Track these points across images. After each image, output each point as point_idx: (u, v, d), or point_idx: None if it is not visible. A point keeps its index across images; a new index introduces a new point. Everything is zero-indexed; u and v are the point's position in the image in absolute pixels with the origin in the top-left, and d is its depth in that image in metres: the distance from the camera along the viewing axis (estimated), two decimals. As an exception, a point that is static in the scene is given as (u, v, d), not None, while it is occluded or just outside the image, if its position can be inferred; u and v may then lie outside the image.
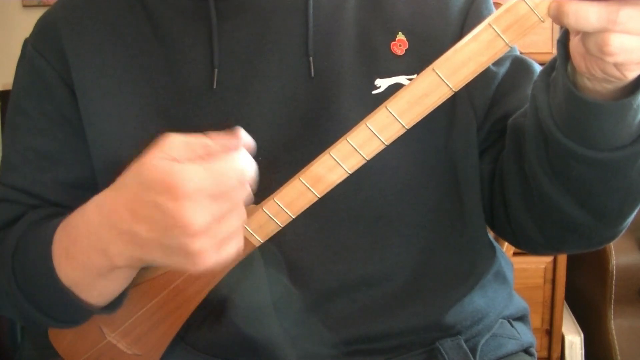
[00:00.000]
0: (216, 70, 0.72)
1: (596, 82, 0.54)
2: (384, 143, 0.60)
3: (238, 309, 0.73)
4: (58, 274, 0.65)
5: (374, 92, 0.71)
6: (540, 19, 0.52)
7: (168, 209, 0.53)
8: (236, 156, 0.56)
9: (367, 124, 0.59)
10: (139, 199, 0.56)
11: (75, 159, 0.76)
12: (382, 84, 0.72)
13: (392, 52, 0.72)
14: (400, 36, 0.73)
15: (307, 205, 0.64)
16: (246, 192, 0.57)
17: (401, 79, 0.72)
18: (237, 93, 0.72)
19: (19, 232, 0.71)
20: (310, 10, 0.72)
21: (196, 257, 0.55)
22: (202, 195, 0.53)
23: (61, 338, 0.78)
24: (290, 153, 0.71)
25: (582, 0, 0.48)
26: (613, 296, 1.61)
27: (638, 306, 1.63)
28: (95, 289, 0.66)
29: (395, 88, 0.71)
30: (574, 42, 0.54)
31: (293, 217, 0.64)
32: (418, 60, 0.72)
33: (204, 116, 0.72)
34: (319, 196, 0.63)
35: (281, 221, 0.64)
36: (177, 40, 0.73)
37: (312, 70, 0.71)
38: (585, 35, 0.50)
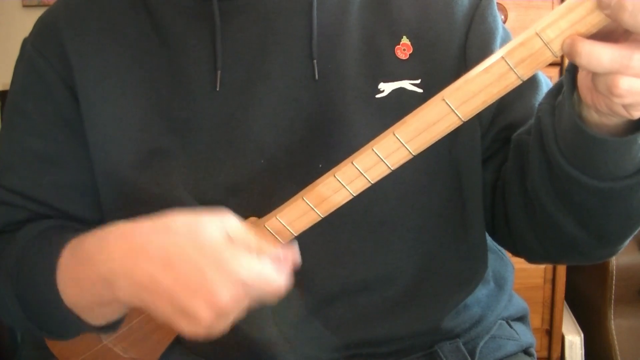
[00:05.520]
0: (219, 72, 0.71)
1: (602, 115, 0.54)
2: (390, 168, 0.59)
3: None
4: (62, 297, 0.65)
5: (378, 96, 0.71)
6: (554, 54, 0.51)
7: (209, 276, 0.55)
8: (282, 275, 0.59)
9: (374, 149, 0.59)
10: (183, 253, 0.57)
11: (75, 161, 0.75)
12: (386, 88, 0.71)
13: (397, 56, 0.72)
14: (405, 40, 0.72)
15: (310, 224, 0.64)
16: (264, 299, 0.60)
17: (405, 83, 0.71)
18: (240, 95, 0.71)
19: (19, 247, 0.70)
20: (315, 13, 0.71)
21: (199, 324, 0.57)
22: (242, 284, 0.56)
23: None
24: (292, 156, 0.71)
25: (596, 41, 0.48)
26: (613, 296, 1.61)
27: (638, 306, 1.62)
28: (94, 314, 0.66)
29: (399, 92, 0.71)
30: (582, 76, 0.54)
31: (295, 234, 0.64)
32: (422, 64, 0.72)
33: (206, 118, 0.71)
34: (323, 216, 0.63)
35: (283, 238, 0.64)
36: (180, 41, 0.73)
37: (316, 73, 0.71)
38: (595, 74, 0.50)
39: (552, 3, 1.63)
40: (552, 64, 0.64)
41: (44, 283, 0.66)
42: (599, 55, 0.48)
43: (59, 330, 0.70)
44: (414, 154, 0.59)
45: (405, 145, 0.58)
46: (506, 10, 1.62)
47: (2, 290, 0.70)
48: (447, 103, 0.55)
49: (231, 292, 0.56)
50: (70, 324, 0.67)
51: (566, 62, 1.71)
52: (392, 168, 0.60)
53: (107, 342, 0.74)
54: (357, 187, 0.61)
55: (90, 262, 0.62)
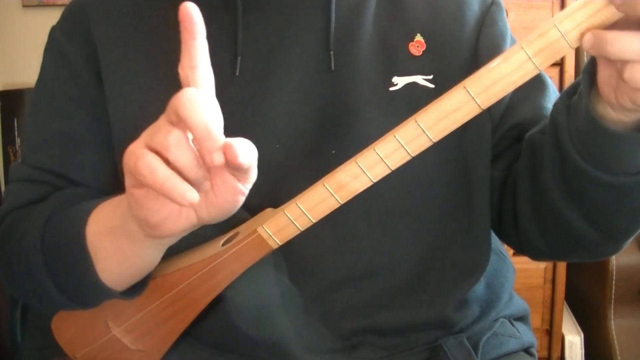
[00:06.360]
0: (239, 58, 0.73)
1: (620, 111, 0.56)
2: (410, 154, 0.61)
3: (243, 301, 0.73)
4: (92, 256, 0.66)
5: (391, 89, 0.73)
6: (570, 45, 0.54)
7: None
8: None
9: (396, 135, 0.60)
10: None
11: (100, 141, 0.76)
12: (400, 81, 0.73)
13: (410, 52, 0.74)
14: (419, 37, 0.75)
15: (329, 211, 0.64)
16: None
17: (418, 78, 0.73)
18: (257, 82, 0.73)
19: (56, 201, 0.72)
20: (333, 6, 0.74)
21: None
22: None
23: (64, 330, 0.77)
24: (305, 143, 0.72)
25: (622, 31, 0.50)
26: (613, 296, 1.61)
27: (638, 306, 1.63)
28: (129, 266, 0.66)
29: (412, 86, 0.73)
30: (605, 75, 0.55)
31: (314, 221, 0.65)
32: (435, 61, 0.74)
33: (223, 103, 0.72)
34: (342, 202, 0.64)
35: (301, 225, 0.65)
36: None
37: (333, 64, 0.73)
38: (623, 64, 0.51)
39: (552, 3, 1.64)
40: (552, 64, 0.67)
41: (73, 234, 0.66)
42: (629, 42, 0.50)
43: (76, 291, 0.70)
44: (434, 140, 0.61)
45: (426, 131, 0.60)
46: (506, 10, 1.62)
47: (26, 245, 0.70)
48: (467, 91, 0.58)
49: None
50: (89, 283, 0.67)
51: (566, 63, 1.72)
52: (413, 155, 0.61)
53: (115, 333, 0.74)
54: (376, 173, 0.62)
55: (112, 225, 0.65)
